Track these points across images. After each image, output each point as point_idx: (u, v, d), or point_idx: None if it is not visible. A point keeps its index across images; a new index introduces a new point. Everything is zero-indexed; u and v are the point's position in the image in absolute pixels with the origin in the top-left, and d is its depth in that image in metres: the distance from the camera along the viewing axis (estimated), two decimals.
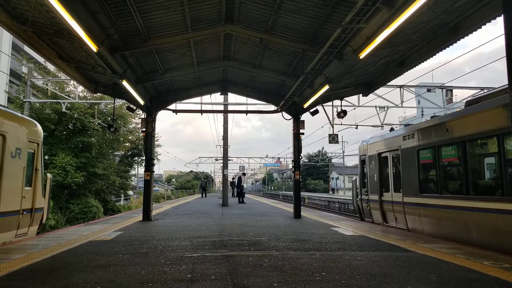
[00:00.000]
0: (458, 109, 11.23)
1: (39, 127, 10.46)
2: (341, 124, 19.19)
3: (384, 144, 12.82)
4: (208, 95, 16.57)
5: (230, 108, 20.98)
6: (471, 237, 8.32)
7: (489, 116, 7.95)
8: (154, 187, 23.74)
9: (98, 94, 16.33)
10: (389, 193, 12.29)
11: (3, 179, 8.24)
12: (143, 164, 20.76)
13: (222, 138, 23.54)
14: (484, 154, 8.58)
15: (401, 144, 11.50)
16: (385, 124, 20.88)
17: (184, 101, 16.43)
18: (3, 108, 9.18)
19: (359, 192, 14.76)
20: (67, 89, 26.52)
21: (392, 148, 12.16)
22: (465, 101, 9.70)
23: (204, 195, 40.15)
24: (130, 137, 33.94)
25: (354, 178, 15.98)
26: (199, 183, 75.66)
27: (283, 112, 15.01)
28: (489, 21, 7.93)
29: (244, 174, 32.05)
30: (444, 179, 9.74)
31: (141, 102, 12.75)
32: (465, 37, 8.67)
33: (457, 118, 9.17)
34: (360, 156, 14.93)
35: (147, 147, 13.91)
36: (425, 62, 10.31)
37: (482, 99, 8.79)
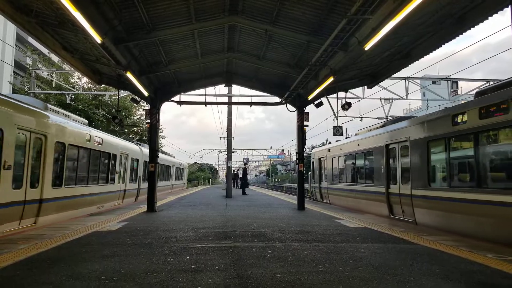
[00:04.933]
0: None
1: (186, 164, 46.24)
2: (346, 116, 19.20)
3: (320, 152, 21.07)
4: (212, 87, 16.56)
5: (234, 100, 20.97)
6: (359, 207, 14.78)
7: (371, 140, 14.17)
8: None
9: (102, 85, 16.36)
10: (323, 182, 20.08)
11: (184, 176, 42.63)
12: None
13: (226, 130, 23.51)
14: (367, 161, 14.83)
15: (327, 154, 19.49)
16: (390, 116, 20.77)
17: (188, 93, 16.42)
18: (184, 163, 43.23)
19: (311, 181, 23.08)
20: (72, 80, 26.64)
21: (322, 155, 20.27)
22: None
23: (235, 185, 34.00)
24: (134, 128, 34.01)
25: (309, 173, 24.15)
26: (203, 174, 75.95)
27: (288, 104, 14.98)
28: (496, 12, 7.82)
29: (246, 164, 31.63)
30: (346, 173, 17.16)
31: (145, 93, 12.75)
32: (471, 28, 8.57)
33: (352, 141, 16.78)
34: (311, 158, 22.84)
35: (151, 139, 13.95)
36: (430, 53, 10.23)
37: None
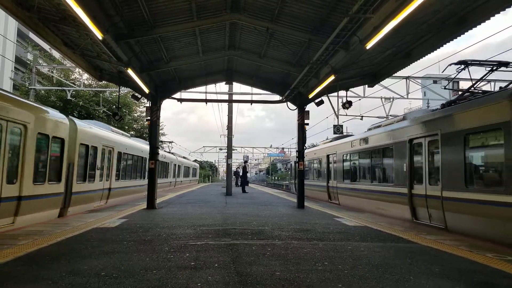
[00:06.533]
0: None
1: (198, 165, 63.00)
2: (346, 115, 19.14)
3: (294, 157, 25.46)
4: (213, 84, 16.55)
5: (234, 97, 20.97)
6: (316, 196, 20.57)
7: (321, 151, 20.54)
8: None
9: (103, 82, 16.34)
10: (293, 180, 26.21)
11: (197, 173, 57.61)
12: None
13: (226, 128, 23.51)
14: (318, 165, 21.10)
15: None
16: (390, 115, 20.77)
17: (188, 90, 16.40)
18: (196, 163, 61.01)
19: (289, 178, 31.00)
20: (72, 76, 26.57)
21: (295, 159, 23.39)
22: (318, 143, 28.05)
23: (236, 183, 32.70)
24: (134, 125, 34.01)
25: (289, 172, 34.12)
26: (202, 172, 75.95)
27: (288, 102, 14.97)
28: (498, 12, 7.78)
29: (245, 162, 31.30)
30: (309, 172, 22.83)
31: (146, 90, 12.74)
32: (473, 28, 8.53)
33: (311, 150, 23.38)
34: (290, 161, 30.51)
35: (152, 136, 13.94)
36: (432, 53, 10.21)
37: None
